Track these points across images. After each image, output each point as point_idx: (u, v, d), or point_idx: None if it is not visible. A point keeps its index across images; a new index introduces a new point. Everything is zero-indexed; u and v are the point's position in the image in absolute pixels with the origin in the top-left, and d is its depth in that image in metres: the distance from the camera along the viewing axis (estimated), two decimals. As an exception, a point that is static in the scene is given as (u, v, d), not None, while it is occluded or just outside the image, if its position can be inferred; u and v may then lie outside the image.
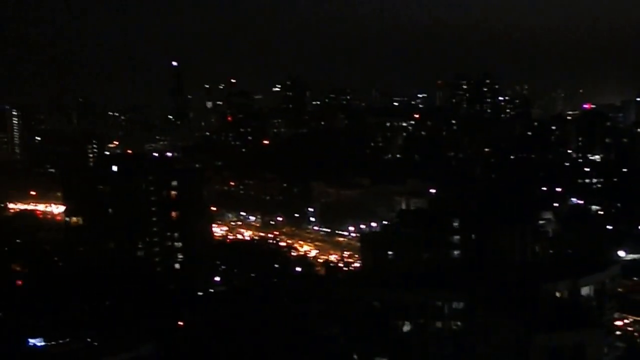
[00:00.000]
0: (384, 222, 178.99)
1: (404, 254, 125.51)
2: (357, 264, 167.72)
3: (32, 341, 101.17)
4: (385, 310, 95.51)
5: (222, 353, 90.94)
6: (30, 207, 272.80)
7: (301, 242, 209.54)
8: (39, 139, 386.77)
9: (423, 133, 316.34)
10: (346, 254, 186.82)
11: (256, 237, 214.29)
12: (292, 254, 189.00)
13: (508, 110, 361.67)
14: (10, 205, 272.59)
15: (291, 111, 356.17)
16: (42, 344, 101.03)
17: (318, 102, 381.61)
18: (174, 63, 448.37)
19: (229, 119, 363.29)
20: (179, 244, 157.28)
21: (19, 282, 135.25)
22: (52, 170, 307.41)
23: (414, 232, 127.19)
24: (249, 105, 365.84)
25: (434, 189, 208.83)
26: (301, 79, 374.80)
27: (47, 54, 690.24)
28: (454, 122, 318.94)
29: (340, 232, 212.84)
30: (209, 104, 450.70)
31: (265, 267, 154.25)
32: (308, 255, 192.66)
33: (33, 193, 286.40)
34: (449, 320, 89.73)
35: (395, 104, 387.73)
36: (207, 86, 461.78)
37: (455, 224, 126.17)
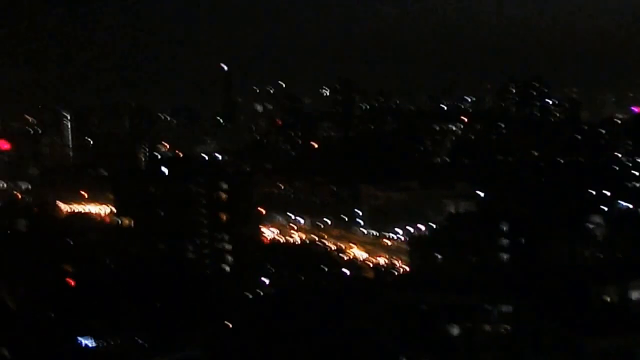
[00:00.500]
0: (433, 226, 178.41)
1: (452, 257, 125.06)
2: (405, 267, 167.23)
3: (82, 341, 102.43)
4: (433, 313, 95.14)
5: (270, 355, 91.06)
6: (82, 208, 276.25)
7: (350, 245, 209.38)
8: (91, 141, 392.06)
9: (472, 136, 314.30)
10: (394, 256, 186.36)
11: (305, 240, 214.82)
12: (341, 256, 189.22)
13: (557, 114, 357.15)
14: (62, 206, 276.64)
15: (340, 114, 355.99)
16: (92, 343, 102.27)
17: (367, 106, 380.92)
18: (224, 66, 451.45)
19: (278, 122, 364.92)
20: (228, 246, 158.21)
21: (70, 282, 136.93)
22: (104, 172, 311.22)
23: (462, 236, 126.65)
24: (298, 108, 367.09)
25: (482, 192, 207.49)
26: (350, 83, 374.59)
27: (99, 57, 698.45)
28: (502, 125, 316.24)
29: (388, 235, 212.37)
30: (259, 107, 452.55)
31: (314, 269, 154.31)
32: (356, 258, 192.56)
33: (84, 194, 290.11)
34: (497, 324, 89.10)
35: (444, 107, 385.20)
36: (257, 89, 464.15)
37: (504, 227, 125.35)
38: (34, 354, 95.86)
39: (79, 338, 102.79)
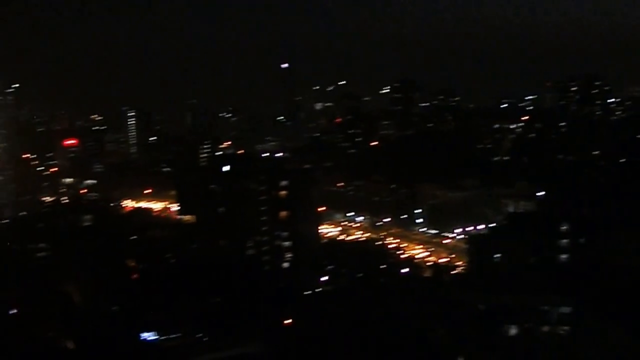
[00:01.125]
0: (492, 225, 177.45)
1: (511, 257, 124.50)
2: (463, 266, 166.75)
3: (144, 335, 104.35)
4: (491, 313, 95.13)
5: (328, 352, 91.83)
6: (145, 205, 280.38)
7: (408, 244, 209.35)
8: (154, 139, 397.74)
9: (532, 135, 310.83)
10: (453, 256, 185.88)
11: (364, 238, 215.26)
12: (400, 255, 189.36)
13: (618, 112, 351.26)
14: (126, 203, 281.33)
15: (399, 113, 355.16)
16: (154, 338, 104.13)
17: (426, 104, 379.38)
18: (285, 65, 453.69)
19: (338, 120, 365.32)
20: (287, 243, 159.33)
21: (133, 278, 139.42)
22: (166, 169, 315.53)
23: (521, 235, 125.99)
24: (358, 106, 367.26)
25: (542, 191, 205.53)
26: (410, 81, 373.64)
27: (162, 57, 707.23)
28: (563, 124, 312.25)
29: (447, 234, 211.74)
30: (319, 106, 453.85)
31: (373, 267, 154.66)
32: (415, 256, 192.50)
33: (148, 191, 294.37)
34: (555, 326, 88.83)
35: (504, 105, 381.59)
36: (317, 88, 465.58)
37: (564, 227, 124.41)
38: (98, 347, 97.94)
39: (142, 332, 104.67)
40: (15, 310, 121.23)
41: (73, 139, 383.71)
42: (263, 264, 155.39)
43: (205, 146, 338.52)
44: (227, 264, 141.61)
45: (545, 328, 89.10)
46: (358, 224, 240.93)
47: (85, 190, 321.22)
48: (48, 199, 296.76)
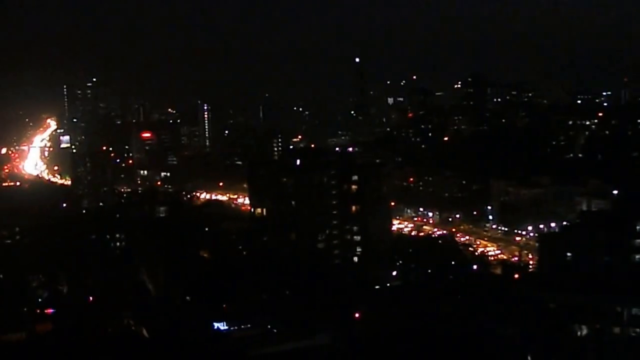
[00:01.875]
0: (564, 223, 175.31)
1: (584, 256, 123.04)
2: (534, 265, 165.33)
3: (216, 325, 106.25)
4: (562, 313, 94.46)
5: (396, 347, 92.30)
6: (218, 197, 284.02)
7: (478, 240, 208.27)
8: (227, 132, 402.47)
9: (607, 132, 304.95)
10: (524, 253, 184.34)
11: (434, 234, 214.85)
12: (470, 251, 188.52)
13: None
14: (200, 195, 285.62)
15: (472, 108, 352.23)
16: (225, 328, 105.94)
17: (499, 99, 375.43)
18: (357, 59, 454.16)
19: (410, 115, 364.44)
20: (357, 238, 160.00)
21: (206, 268, 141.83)
22: (239, 162, 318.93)
23: (594, 234, 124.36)
24: (430, 101, 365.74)
25: (617, 190, 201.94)
26: (482, 76, 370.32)
27: (237, 51, 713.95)
28: (639, 121, 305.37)
29: (518, 232, 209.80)
30: (390, 100, 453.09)
31: (442, 263, 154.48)
32: (485, 253, 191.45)
33: (221, 184, 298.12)
34: (627, 327, 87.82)
35: (579, 101, 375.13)
36: (389, 82, 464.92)
37: (639, 227, 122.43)
38: (170, 335, 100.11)
39: (214, 322, 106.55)
40: (92, 298, 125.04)
41: (149, 132, 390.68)
42: (333, 257, 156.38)
43: (277, 140, 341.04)
44: (298, 256, 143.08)
45: (617, 329, 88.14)
46: (428, 219, 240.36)
47: (160, 182, 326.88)
48: (124, 190, 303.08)
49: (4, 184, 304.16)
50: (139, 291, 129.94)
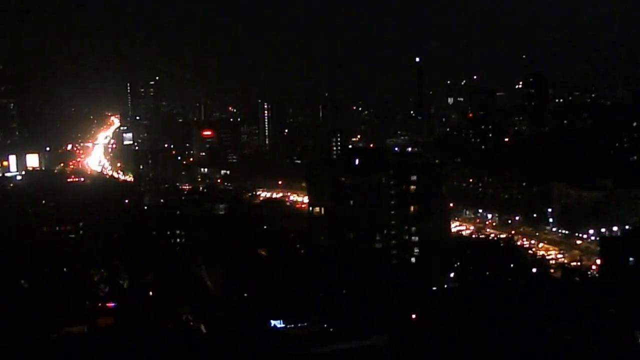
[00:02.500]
0: (626, 227, 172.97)
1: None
2: (595, 269, 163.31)
3: (273, 322, 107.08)
4: (623, 318, 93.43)
5: (453, 350, 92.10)
6: (277, 195, 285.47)
7: (538, 243, 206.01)
8: (287, 131, 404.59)
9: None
10: (584, 257, 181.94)
11: (493, 236, 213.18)
12: (529, 254, 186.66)
13: None
14: (259, 193, 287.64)
15: (533, 109, 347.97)
16: (282, 325, 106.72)
17: (561, 100, 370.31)
18: (417, 59, 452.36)
19: (470, 115, 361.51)
20: (415, 239, 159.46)
21: (264, 266, 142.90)
22: (298, 161, 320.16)
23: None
24: (491, 102, 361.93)
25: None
26: (544, 76, 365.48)
27: (297, 51, 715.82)
28: None
29: (579, 235, 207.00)
30: (450, 100, 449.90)
31: (501, 266, 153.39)
32: (545, 256, 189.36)
33: (280, 182, 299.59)
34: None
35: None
36: (449, 82, 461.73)
37: None
38: (228, 332, 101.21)
39: (271, 320, 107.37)
40: (152, 293, 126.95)
41: (210, 130, 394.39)
42: (391, 258, 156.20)
43: (336, 139, 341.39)
44: (355, 256, 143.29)
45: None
46: (487, 221, 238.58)
47: (220, 180, 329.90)
48: (185, 187, 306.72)
49: (68, 180, 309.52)
50: (198, 287, 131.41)
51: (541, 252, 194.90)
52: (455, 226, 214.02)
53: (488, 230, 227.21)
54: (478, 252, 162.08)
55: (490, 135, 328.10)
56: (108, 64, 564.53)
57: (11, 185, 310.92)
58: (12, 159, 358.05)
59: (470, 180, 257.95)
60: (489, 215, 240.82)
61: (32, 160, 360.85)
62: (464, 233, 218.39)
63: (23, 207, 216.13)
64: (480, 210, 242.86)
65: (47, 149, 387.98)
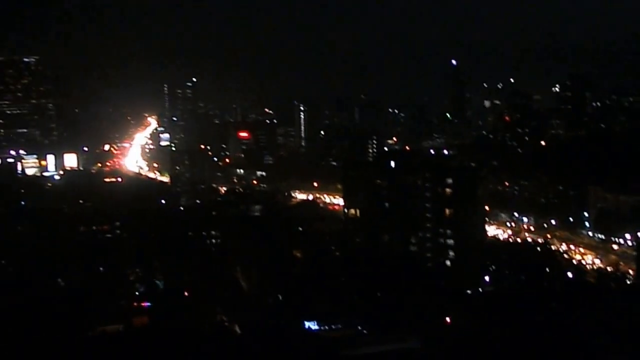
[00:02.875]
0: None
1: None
2: (633, 275, 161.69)
3: (307, 324, 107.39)
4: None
5: (488, 354, 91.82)
6: (313, 197, 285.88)
7: (574, 248, 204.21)
8: (323, 133, 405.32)
9: None
10: (621, 263, 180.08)
11: (528, 239, 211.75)
12: (565, 258, 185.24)
13: None
14: (294, 195, 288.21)
15: (570, 112, 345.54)
16: (317, 327, 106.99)
17: (598, 103, 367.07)
18: (453, 61, 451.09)
19: (507, 118, 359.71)
20: (451, 241, 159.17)
21: (299, 268, 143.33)
22: (334, 163, 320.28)
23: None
24: (527, 105, 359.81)
25: None
26: (581, 79, 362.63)
27: (333, 52, 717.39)
28: None
29: (616, 240, 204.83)
30: (487, 103, 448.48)
31: (536, 270, 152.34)
32: (581, 261, 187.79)
33: (315, 184, 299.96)
34: None
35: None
36: (486, 85, 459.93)
37: None
38: (262, 333, 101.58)
39: (305, 321, 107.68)
40: (187, 293, 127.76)
41: (246, 132, 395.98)
42: (426, 260, 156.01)
43: (372, 141, 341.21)
44: (390, 259, 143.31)
45: None
46: (523, 225, 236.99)
47: (256, 181, 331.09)
48: (221, 188, 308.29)
49: (105, 180, 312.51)
50: (233, 288, 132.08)
51: (577, 257, 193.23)
52: (490, 229, 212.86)
53: (524, 233, 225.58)
54: (513, 256, 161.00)
55: (527, 138, 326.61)
56: (146, 65, 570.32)
57: (49, 184, 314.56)
58: (51, 158, 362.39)
59: (506, 183, 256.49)
60: (525, 219, 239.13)
61: (70, 160, 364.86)
62: (499, 236, 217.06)
63: (61, 207, 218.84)
64: (516, 214, 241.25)
65: (85, 148, 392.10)
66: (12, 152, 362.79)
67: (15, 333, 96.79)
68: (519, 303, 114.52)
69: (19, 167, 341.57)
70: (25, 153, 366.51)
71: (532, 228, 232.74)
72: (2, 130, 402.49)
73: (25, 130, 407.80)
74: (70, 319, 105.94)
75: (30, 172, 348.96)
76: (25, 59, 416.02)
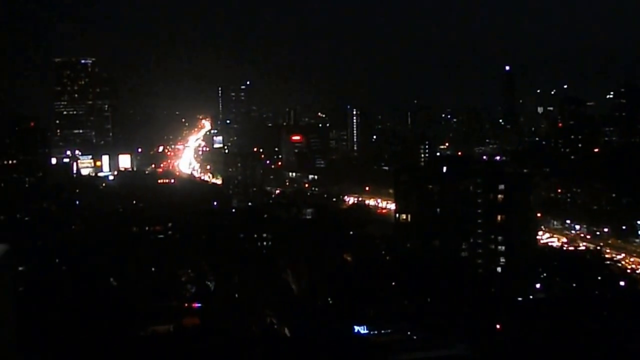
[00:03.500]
0: None
1: None
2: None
3: (357, 328, 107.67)
4: None
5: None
6: (364, 201, 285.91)
7: (627, 256, 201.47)
8: (375, 137, 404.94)
9: None
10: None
11: (581, 247, 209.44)
12: (618, 267, 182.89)
13: None
14: (346, 199, 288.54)
15: (624, 119, 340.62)
16: (366, 331, 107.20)
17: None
18: (507, 67, 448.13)
19: (560, 125, 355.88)
20: (502, 248, 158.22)
21: (349, 271, 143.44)
22: (386, 167, 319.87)
23: None
24: (581, 111, 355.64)
25: None
26: (636, 87, 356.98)
27: (386, 58, 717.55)
28: None
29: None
30: (540, 109, 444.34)
31: (588, 278, 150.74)
32: (634, 270, 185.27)
33: (367, 188, 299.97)
34: None
35: None
36: (539, 91, 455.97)
37: None
38: (311, 336, 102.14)
39: (355, 325, 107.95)
40: (237, 294, 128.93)
41: (298, 135, 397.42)
42: (476, 266, 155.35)
43: (424, 146, 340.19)
44: (441, 264, 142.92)
45: None
46: (575, 233, 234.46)
47: (308, 185, 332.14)
48: (273, 191, 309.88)
49: (159, 181, 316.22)
50: (283, 291, 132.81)
51: (631, 266, 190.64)
52: (542, 236, 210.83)
53: (577, 241, 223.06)
54: (565, 264, 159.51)
55: (580, 145, 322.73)
56: (200, 67, 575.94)
57: (103, 184, 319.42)
58: (105, 159, 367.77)
59: (559, 190, 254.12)
60: (577, 226, 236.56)
61: (124, 161, 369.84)
62: (551, 243, 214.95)
63: (114, 207, 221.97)
64: (568, 221, 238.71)
65: (139, 150, 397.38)
66: (68, 153, 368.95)
67: (68, 332, 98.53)
68: (570, 311, 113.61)
69: (74, 167, 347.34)
70: (80, 153, 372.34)
71: (584, 236, 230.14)
72: (58, 131, 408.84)
73: (81, 131, 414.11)
74: (121, 319, 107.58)
75: (85, 172, 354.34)
76: (83, 61, 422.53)
